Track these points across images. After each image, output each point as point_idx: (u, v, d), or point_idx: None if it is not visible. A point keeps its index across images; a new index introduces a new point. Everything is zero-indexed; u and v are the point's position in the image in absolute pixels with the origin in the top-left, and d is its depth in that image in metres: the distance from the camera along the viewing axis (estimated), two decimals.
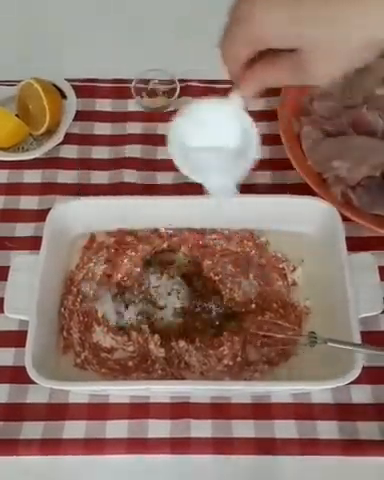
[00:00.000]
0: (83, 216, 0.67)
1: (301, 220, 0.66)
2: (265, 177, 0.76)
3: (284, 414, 0.61)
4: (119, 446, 0.59)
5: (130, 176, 0.76)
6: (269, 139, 0.78)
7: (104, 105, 0.83)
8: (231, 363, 0.61)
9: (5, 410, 0.61)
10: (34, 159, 0.76)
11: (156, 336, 0.62)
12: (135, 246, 0.67)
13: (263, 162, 0.76)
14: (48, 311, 0.62)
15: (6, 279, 0.62)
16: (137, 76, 0.82)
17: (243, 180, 0.76)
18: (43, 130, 0.77)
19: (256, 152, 0.49)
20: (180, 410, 0.61)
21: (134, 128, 0.81)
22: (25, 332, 0.58)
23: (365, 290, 0.60)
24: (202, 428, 0.60)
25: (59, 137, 0.77)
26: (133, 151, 0.78)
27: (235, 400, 0.62)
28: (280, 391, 0.61)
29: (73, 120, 0.79)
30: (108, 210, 0.67)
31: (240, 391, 0.60)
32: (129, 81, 0.82)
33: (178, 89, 0.81)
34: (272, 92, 0.80)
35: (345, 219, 0.65)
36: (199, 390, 0.60)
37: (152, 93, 0.83)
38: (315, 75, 0.42)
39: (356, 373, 0.54)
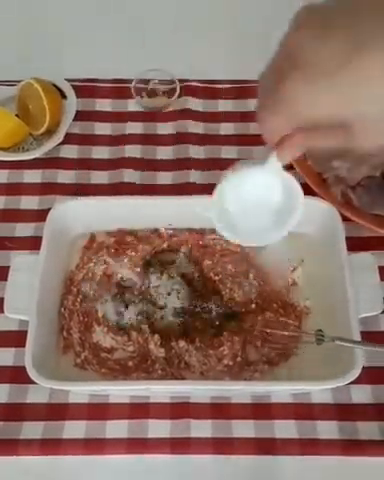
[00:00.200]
0: (83, 216, 0.67)
1: (301, 220, 0.66)
2: None
3: (284, 414, 0.61)
4: (119, 446, 0.59)
5: (130, 176, 0.76)
6: None
7: (104, 105, 0.83)
8: (231, 363, 0.61)
9: (5, 410, 0.61)
10: (34, 159, 0.76)
11: (156, 336, 0.62)
12: (135, 246, 0.67)
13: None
14: (48, 311, 0.62)
15: (6, 279, 0.62)
16: (137, 76, 0.82)
17: None
18: (43, 130, 0.77)
19: (301, 206, 0.49)
20: (180, 410, 0.61)
21: (134, 128, 0.81)
22: (25, 332, 0.58)
23: (365, 290, 0.60)
24: (202, 428, 0.60)
25: (59, 137, 0.77)
26: (133, 151, 0.78)
27: (235, 400, 0.62)
28: (280, 391, 0.61)
29: (73, 120, 0.79)
30: (108, 210, 0.67)
31: (240, 391, 0.60)
32: (129, 81, 0.82)
33: (178, 89, 0.81)
34: None
35: (345, 219, 0.65)
36: (199, 390, 0.60)
37: (152, 93, 0.83)
38: (363, 144, 0.41)
39: (356, 373, 0.54)
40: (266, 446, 0.59)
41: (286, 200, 0.49)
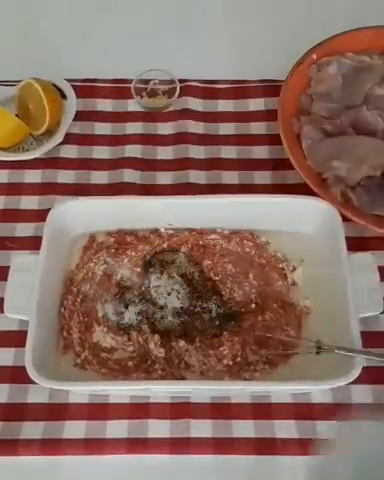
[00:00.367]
0: (83, 216, 0.67)
1: (301, 220, 0.66)
2: (265, 177, 0.76)
3: (284, 414, 0.61)
4: (119, 446, 0.59)
5: (130, 176, 0.76)
6: (269, 139, 0.78)
7: (104, 105, 0.82)
8: (231, 363, 0.61)
9: (5, 410, 0.61)
10: (34, 159, 0.76)
11: (156, 336, 0.62)
12: (135, 246, 0.67)
13: (263, 162, 0.77)
14: (48, 311, 0.62)
15: (6, 279, 0.62)
16: (137, 76, 0.82)
17: (243, 180, 0.76)
18: (43, 130, 0.77)
19: None
20: (180, 410, 0.61)
21: (134, 128, 0.81)
22: (25, 332, 0.58)
23: (365, 290, 0.60)
24: (202, 428, 0.60)
25: (59, 137, 0.77)
26: (133, 151, 0.78)
27: (235, 400, 0.62)
28: (280, 391, 0.61)
29: (73, 120, 0.79)
30: (108, 210, 0.67)
31: (240, 391, 0.61)
32: (129, 81, 0.82)
33: (178, 89, 0.81)
34: (272, 93, 0.80)
35: (345, 219, 0.65)
36: (199, 390, 0.60)
37: (152, 93, 0.83)
38: None
39: (356, 373, 0.54)
40: (266, 446, 0.59)
41: None
